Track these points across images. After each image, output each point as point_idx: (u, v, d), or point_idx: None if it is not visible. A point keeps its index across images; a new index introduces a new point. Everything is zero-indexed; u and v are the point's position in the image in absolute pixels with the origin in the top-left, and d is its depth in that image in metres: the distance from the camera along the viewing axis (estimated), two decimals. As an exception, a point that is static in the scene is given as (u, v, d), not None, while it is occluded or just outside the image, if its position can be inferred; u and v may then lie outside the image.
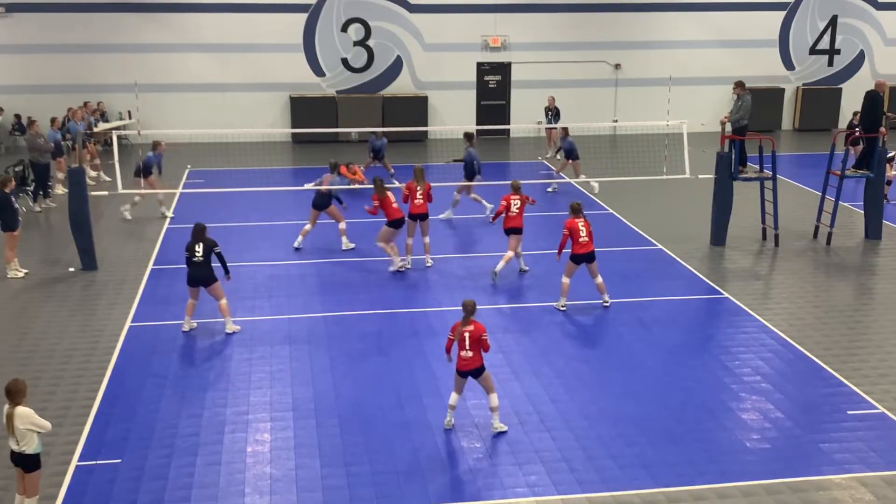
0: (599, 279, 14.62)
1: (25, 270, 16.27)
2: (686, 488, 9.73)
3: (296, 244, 17.76)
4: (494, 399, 10.75)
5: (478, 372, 10.62)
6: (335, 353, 13.05)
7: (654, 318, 14.39)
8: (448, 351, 10.79)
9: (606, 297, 14.74)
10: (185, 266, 13.64)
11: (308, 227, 17.75)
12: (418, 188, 16.41)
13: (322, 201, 17.45)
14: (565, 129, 22.54)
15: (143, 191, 19.74)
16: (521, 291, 15.71)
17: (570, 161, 22.12)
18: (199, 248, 13.46)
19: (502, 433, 10.75)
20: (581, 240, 14.19)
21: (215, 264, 13.58)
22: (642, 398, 11.73)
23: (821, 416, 11.33)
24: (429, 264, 16.72)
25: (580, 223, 14.27)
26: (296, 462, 10.24)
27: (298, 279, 16.21)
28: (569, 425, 11.01)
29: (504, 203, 15.90)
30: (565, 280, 14.56)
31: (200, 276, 13.51)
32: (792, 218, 19.54)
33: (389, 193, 16.33)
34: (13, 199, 16.31)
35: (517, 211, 15.83)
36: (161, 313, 14.51)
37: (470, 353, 10.50)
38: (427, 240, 16.73)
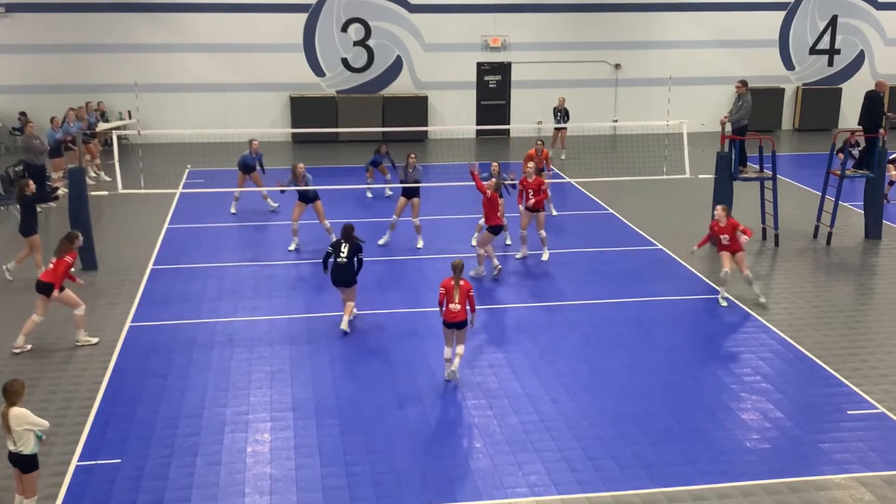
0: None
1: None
2: (686, 488, 9.73)
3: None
4: (462, 349, 11.96)
5: (462, 324, 11.72)
6: (335, 353, 13.04)
7: (654, 318, 14.38)
8: (441, 305, 11.79)
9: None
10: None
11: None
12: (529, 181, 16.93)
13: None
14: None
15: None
16: (520, 291, 15.71)
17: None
18: (345, 250, 13.53)
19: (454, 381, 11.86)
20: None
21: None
22: (642, 398, 11.72)
23: (821, 416, 11.33)
24: (545, 258, 17.13)
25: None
26: (296, 462, 10.24)
27: (298, 279, 16.21)
28: (569, 425, 11.01)
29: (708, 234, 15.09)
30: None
31: (342, 278, 13.60)
32: (792, 218, 19.53)
33: (501, 201, 16.35)
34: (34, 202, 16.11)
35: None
36: (161, 313, 14.50)
37: (458, 306, 11.65)
38: (543, 233, 17.11)
